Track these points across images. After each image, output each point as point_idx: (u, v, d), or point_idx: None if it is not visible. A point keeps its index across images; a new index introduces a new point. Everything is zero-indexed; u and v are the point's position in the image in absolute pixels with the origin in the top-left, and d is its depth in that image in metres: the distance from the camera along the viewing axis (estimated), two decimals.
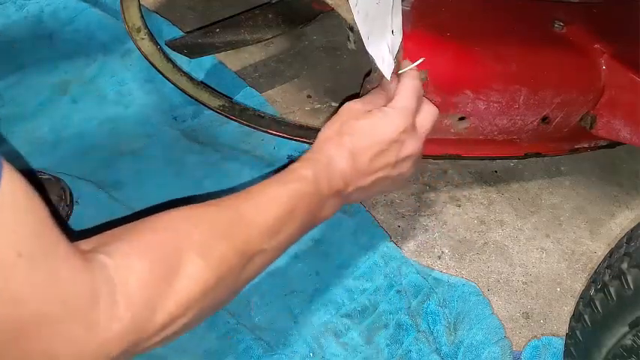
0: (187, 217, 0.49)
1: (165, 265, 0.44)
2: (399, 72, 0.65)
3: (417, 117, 0.65)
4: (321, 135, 0.64)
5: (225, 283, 0.49)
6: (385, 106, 0.64)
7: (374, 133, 0.62)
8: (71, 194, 0.84)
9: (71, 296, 0.38)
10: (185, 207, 0.51)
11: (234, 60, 1.06)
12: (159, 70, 0.90)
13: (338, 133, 0.62)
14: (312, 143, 0.64)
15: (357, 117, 0.62)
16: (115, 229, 0.47)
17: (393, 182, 0.67)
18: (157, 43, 0.92)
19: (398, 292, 0.79)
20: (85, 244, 0.44)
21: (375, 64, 0.63)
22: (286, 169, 0.60)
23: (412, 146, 0.65)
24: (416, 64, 0.66)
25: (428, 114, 0.66)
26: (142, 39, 0.92)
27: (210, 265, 0.47)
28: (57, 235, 0.39)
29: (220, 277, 0.48)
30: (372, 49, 0.61)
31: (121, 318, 0.40)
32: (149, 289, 0.42)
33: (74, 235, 0.42)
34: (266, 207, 0.54)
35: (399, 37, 0.65)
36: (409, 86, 0.64)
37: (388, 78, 0.64)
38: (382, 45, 0.63)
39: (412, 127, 0.64)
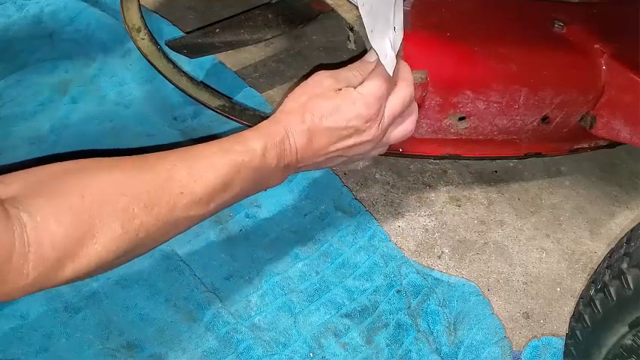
0: (117, 184, 0.49)
1: (82, 230, 0.45)
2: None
3: (386, 102, 0.64)
4: (284, 104, 0.63)
5: (142, 247, 0.50)
6: (357, 86, 0.63)
7: (337, 118, 0.61)
8: None
9: None
10: (120, 165, 0.50)
11: (234, 60, 1.06)
12: (159, 70, 0.90)
13: (302, 108, 0.61)
14: None
15: (325, 96, 0.62)
16: (45, 172, 0.48)
17: (347, 160, 0.67)
18: (156, 43, 0.92)
19: (398, 292, 0.79)
20: (7, 187, 0.45)
21: (377, 53, 0.62)
22: (237, 136, 0.58)
23: (373, 133, 0.64)
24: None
25: (398, 100, 0.65)
26: (142, 39, 0.92)
27: (128, 232, 0.48)
28: None
29: (137, 243, 0.49)
30: (375, 43, 0.61)
31: (28, 275, 0.43)
32: (61, 251, 0.44)
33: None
34: (201, 175, 0.53)
35: (400, 35, 0.65)
36: (381, 71, 0.63)
37: (390, 73, 0.63)
38: (385, 40, 0.63)
39: (377, 115, 0.64)
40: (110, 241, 0.47)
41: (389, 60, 0.63)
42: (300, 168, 0.64)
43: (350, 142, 0.64)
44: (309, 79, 0.64)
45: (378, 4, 0.60)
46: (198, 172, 0.53)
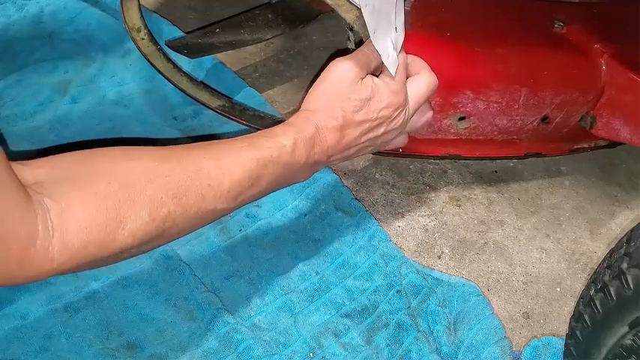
0: (145, 171, 0.48)
1: (109, 217, 0.45)
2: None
3: (411, 88, 0.65)
4: (310, 101, 0.62)
5: (167, 236, 0.50)
6: (377, 71, 0.63)
7: (368, 110, 0.61)
8: None
9: (10, 234, 0.40)
10: (148, 154, 0.50)
11: (234, 60, 1.06)
12: (159, 70, 0.90)
13: (330, 104, 0.61)
14: None
15: (352, 88, 0.61)
16: (71, 158, 0.47)
17: (374, 148, 0.67)
18: (156, 43, 0.92)
19: (398, 292, 0.79)
20: (33, 171, 0.44)
21: (382, 56, 0.63)
22: (266, 131, 0.58)
23: (402, 120, 0.65)
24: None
25: (423, 87, 0.66)
26: (142, 39, 0.92)
27: (155, 221, 0.47)
28: (4, 175, 0.40)
29: (164, 232, 0.49)
30: (378, 43, 0.61)
31: (53, 260, 0.43)
32: (88, 237, 0.44)
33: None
34: (229, 169, 0.53)
35: (401, 35, 0.65)
36: (399, 59, 0.63)
37: (393, 74, 0.63)
38: (387, 41, 0.63)
39: (405, 102, 0.64)
40: (137, 229, 0.47)
41: (391, 60, 0.63)
42: (330, 163, 0.64)
43: (380, 130, 0.64)
44: (329, 72, 0.63)
45: (380, 5, 0.60)
46: (226, 166, 0.53)
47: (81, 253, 0.44)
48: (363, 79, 0.62)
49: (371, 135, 0.64)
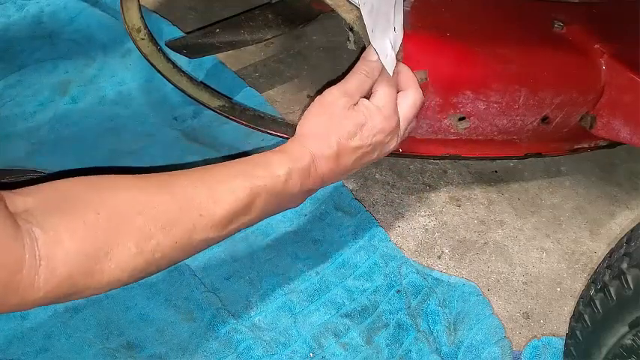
0: (134, 202, 0.48)
1: (96, 248, 0.45)
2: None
3: (400, 107, 0.65)
4: (304, 125, 0.62)
5: (157, 267, 0.49)
6: (368, 94, 0.63)
7: (362, 136, 0.62)
8: None
9: None
10: (137, 184, 0.49)
11: (234, 60, 1.06)
12: (159, 71, 0.90)
13: (326, 130, 0.61)
14: None
15: (345, 115, 0.61)
16: (62, 186, 0.47)
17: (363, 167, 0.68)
18: (156, 44, 0.92)
19: (398, 292, 0.79)
20: (24, 199, 0.44)
21: (378, 53, 0.62)
22: (260, 157, 0.57)
23: (394, 144, 0.66)
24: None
25: (410, 105, 0.66)
26: (142, 39, 0.92)
27: (143, 253, 0.47)
28: None
29: (152, 263, 0.48)
30: (376, 43, 0.61)
31: (39, 289, 0.43)
32: (74, 267, 0.44)
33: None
34: (222, 198, 0.52)
35: (400, 35, 0.65)
36: (387, 78, 0.63)
37: (390, 74, 0.63)
38: (385, 40, 0.63)
39: (397, 127, 0.65)
40: (125, 261, 0.46)
41: (389, 60, 0.63)
42: (323, 187, 0.64)
43: (374, 155, 0.65)
44: (323, 98, 0.63)
45: (379, 5, 0.60)
46: (218, 195, 0.52)
47: (67, 282, 0.44)
48: (355, 104, 0.62)
49: (364, 160, 0.65)
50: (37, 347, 0.70)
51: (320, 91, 0.64)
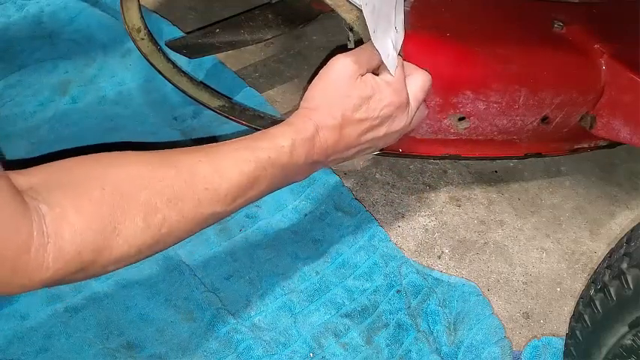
0: (139, 177, 0.47)
1: (104, 224, 0.44)
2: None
3: (409, 88, 0.64)
4: (309, 99, 0.61)
5: (164, 242, 0.49)
6: (377, 69, 0.62)
7: (369, 108, 0.60)
8: None
9: (4, 241, 0.39)
10: (142, 159, 0.49)
11: (234, 60, 1.06)
12: (159, 71, 0.90)
13: (330, 101, 0.59)
14: None
15: (352, 86, 0.60)
16: (66, 164, 0.47)
17: (374, 149, 0.66)
18: (156, 44, 0.92)
19: (398, 292, 0.79)
20: (29, 178, 0.44)
21: (381, 55, 0.62)
22: (264, 132, 0.57)
23: (403, 121, 0.64)
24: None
25: (420, 85, 0.65)
26: (142, 39, 0.92)
27: (150, 227, 0.47)
28: (1, 181, 0.40)
29: (159, 239, 0.48)
30: (378, 43, 0.60)
31: (48, 269, 0.42)
32: (83, 244, 0.43)
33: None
34: (228, 172, 0.52)
35: (401, 35, 0.65)
36: (398, 60, 0.63)
37: (393, 74, 0.63)
38: (387, 40, 0.62)
39: (406, 102, 0.63)
40: (133, 235, 0.46)
41: (391, 60, 0.63)
42: (329, 163, 0.63)
43: (382, 131, 0.63)
44: (329, 68, 0.61)
45: (380, 5, 0.60)
46: (223, 169, 0.52)
47: (75, 260, 0.43)
48: (363, 76, 0.61)
49: (371, 135, 0.63)
50: (37, 347, 0.70)
51: (326, 60, 0.62)
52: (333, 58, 0.62)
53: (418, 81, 0.66)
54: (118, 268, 0.48)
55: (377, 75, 0.64)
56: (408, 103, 0.64)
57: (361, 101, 0.60)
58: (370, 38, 0.60)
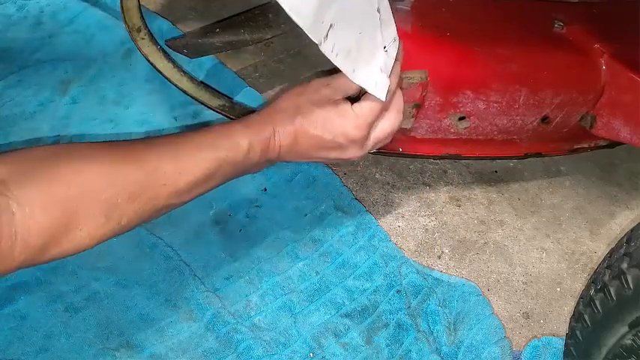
0: (105, 174, 0.51)
1: (68, 221, 0.49)
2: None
3: (374, 129, 0.65)
4: (278, 102, 0.64)
5: (121, 231, 0.53)
6: (355, 98, 0.63)
7: (325, 129, 0.62)
8: None
9: None
10: (109, 156, 0.53)
11: (234, 60, 1.06)
12: (159, 71, 0.90)
13: (295, 109, 0.62)
14: None
15: (320, 104, 0.62)
16: (35, 155, 0.50)
17: (327, 162, 0.69)
18: (157, 43, 0.92)
19: (398, 292, 0.79)
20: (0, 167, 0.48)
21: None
22: (225, 128, 0.60)
23: (354, 153, 0.65)
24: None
25: (386, 127, 0.66)
26: (142, 39, 0.92)
27: (110, 222, 0.51)
28: None
29: (117, 230, 0.52)
30: (360, 79, 0.59)
31: (14, 259, 0.46)
32: (47, 238, 0.48)
33: None
34: (186, 169, 0.56)
35: (394, 46, 0.64)
36: (375, 99, 0.62)
37: (383, 99, 0.62)
38: (372, 68, 0.61)
39: (364, 139, 0.64)
40: (94, 230, 0.50)
41: (380, 86, 0.61)
42: (284, 160, 0.66)
43: (332, 155, 0.65)
44: (308, 84, 0.64)
45: (359, 40, 0.58)
46: (184, 166, 0.55)
47: (40, 251, 0.48)
48: (336, 100, 0.63)
49: (322, 154, 0.65)
50: (37, 347, 0.70)
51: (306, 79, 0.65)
52: (315, 79, 0.64)
53: (386, 124, 0.66)
54: (77, 253, 0.52)
55: (358, 99, 0.64)
56: (365, 140, 0.65)
57: (323, 120, 0.62)
58: (351, 79, 0.59)
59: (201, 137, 0.58)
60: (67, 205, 0.48)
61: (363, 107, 0.63)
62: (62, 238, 0.49)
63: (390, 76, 0.63)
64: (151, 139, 0.58)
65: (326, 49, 0.55)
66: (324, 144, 0.63)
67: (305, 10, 0.51)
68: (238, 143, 0.59)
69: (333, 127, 0.62)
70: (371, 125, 0.64)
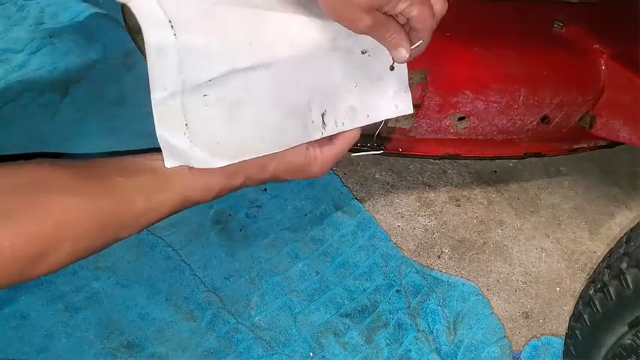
0: (81, 209, 0.52)
1: (36, 254, 0.50)
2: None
3: (325, 161, 0.65)
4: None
5: (84, 257, 0.55)
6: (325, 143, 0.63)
7: (295, 175, 0.63)
8: None
9: None
10: (86, 188, 0.53)
11: None
12: None
13: (272, 155, 0.61)
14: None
15: (297, 153, 0.62)
16: (15, 181, 0.51)
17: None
18: None
19: (398, 291, 0.79)
20: None
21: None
22: (203, 174, 0.59)
23: (304, 177, 0.65)
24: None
25: (333, 157, 0.65)
26: (143, 39, 0.92)
27: (76, 251, 0.53)
28: None
29: (81, 257, 0.54)
30: (378, 117, 0.60)
31: None
32: (13, 270, 0.49)
33: None
34: (159, 208, 0.57)
35: (404, 65, 0.62)
36: (349, 137, 0.62)
37: (411, 111, 0.62)
38: (386, 100, 0.60)
39: (318, 173, 0.64)
40: (61, 258, 0.52)
41: (403, 106, 0.61)
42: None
43: (282, 177, 0.65)
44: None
45: (356, 94, 0.58)
46: (156, 204, 0.57)
47: (4, 280, 0.49)
48: (307, 149, 0.62)
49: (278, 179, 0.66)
50: (37, 347, 0.70)
51: None
52: None
53: (336, 154, 0.64)
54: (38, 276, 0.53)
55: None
56: (319, 173, 0.65)
57: (296, 169, 0.63)
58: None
59: (180, 178, 0.58)
60: (36, 241, 0.50)
61: (334, 150, 0.63)
62: (28, 268, 0.50)
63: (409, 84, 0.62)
64: (127, 167, 0.58)
65: (330, 131, 0.58)
66: (284, 178, 0.64)
67: (293, 140, 0.57)
68: (211, 189, 0.60)
69: (302, 172, 0.63)
70: (330, 165, 0.64)
